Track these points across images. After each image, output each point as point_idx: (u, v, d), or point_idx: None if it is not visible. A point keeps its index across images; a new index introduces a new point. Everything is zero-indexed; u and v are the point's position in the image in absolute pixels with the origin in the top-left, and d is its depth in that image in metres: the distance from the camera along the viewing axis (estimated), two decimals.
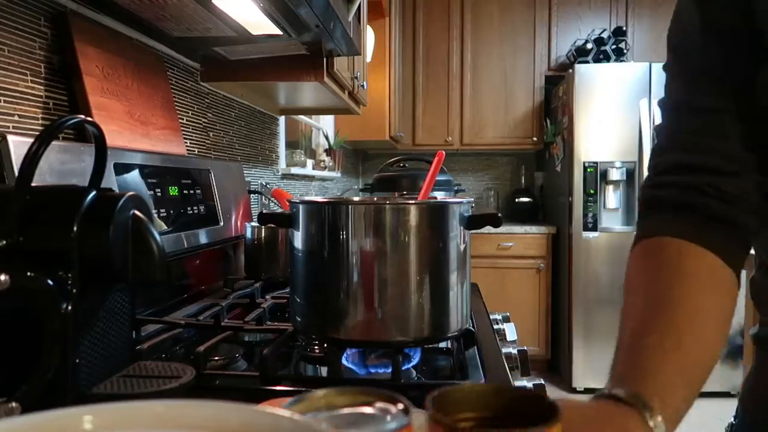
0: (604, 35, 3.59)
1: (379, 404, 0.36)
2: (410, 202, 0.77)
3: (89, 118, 0.63)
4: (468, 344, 0.86)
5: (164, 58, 1.35)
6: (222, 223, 1.41)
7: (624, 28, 3.65)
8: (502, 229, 3.52)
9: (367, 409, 0.36)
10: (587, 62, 3.53)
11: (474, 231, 0.81)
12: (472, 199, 0.87)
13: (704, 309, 0.53)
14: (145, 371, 0.66)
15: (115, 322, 0.66)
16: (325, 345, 0.87)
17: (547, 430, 0.33)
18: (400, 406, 0.35)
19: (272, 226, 1.18)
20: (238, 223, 1.52)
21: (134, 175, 1.08)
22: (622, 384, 0.47)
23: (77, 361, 0.57)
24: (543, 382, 0.94)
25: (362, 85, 2.05)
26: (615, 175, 3.27)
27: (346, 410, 0.36)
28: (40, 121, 0.94)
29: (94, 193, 0.60)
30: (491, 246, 3.55)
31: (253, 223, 1.43)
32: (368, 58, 2.59)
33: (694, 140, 0.59)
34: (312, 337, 0.89)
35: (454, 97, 3.90)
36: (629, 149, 3.26)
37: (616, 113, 3.26)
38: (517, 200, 4.01)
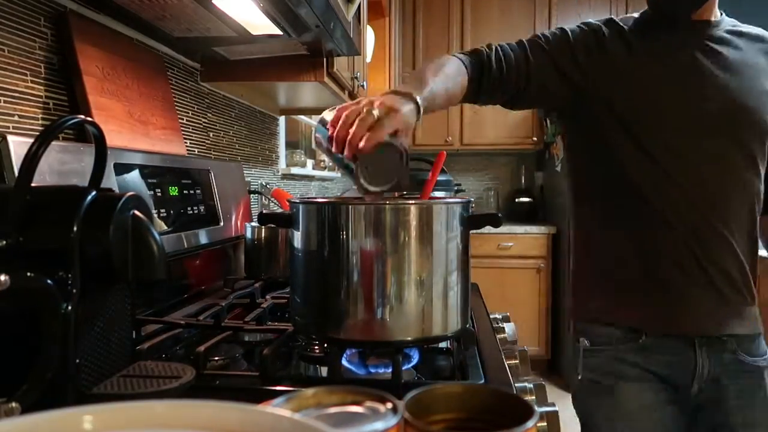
0: None
1: (369, 403, 0.36)
2: (410, 202, 0.76)
3: (89, 118, 0.63)
4: (468, 344, 0.86)
5: (164, 58, 1.35)
6: (222, 223, 1.41)
7: None
8: (502, 229, 3.52)
9: (356, 408, 0.36)
10: None
11: (474, 231, 0.81)
12: (472, 199, 0.87)
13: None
14: (145, 371, 0.66)
15: (115, 322, 0.66)
16: (325, 345, 0.87)
17: None
18: (389, 405, 0.35)
19: (272, 226, 1.18)
20: (238, 223, 1.52)
21: (134, 175, 1.08)
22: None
23: (77, 361, 0.57)
24: (543, 382, 0.94)
25: (362, 85, 2.05)
26: None
27: (335, 409, 0.36)
28: (40, 121, 0.94)
29: (94, 193, 0.60)
30: (491, 246, 3.55)
31: (253, 223, 1.43)
32: (368, 58, 2.58)
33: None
34: (312, 337, 0.89)
35: None
36: None
37: None
38: (517, 200, 4.01)
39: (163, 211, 1.15)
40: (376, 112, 0.74)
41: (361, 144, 0.72)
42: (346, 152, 0.74)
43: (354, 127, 0.73)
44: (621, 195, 1.05)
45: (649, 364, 1.03)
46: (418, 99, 0.81)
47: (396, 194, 0.77)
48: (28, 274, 0.53)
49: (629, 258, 1.05)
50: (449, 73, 0.97)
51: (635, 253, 1.04)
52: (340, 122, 0.75)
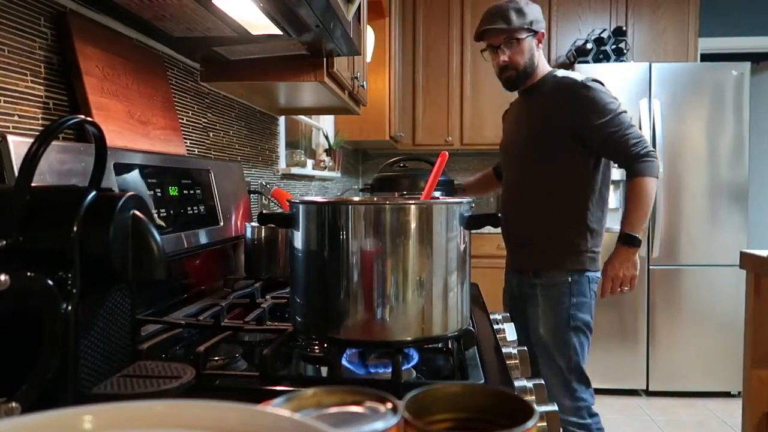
0: (604, 35, 3.59)
1: (369, 403, 0.36)
2: (410, 202, 0.76)
3: (89, 118, 0.63)
4: (468, 344, 0.86)
5: (164, 58, 1.35)
6: (222, 223, 1.41)
7: (624, 28, 3.65)
8: None
9: (356, 408, 0.36)
10: (587, 62, 3.53)
11: (474, 231, 0.81)
12: (472, 199, 0.87)
13: None
14: (145, 371, 0.66)
15: (115, 322, 0.66)
16: (325, 345, 0.87)
17: None
18: (389, 405, 0.35)
19: (272, 226, 1.18)
20: (238, 223, 1.52)
21: (134, 175, 1.08)
22: None
23: (77, 361, 0.57)
24: (543, 382, 0.94)
25: (362, 85, 2.05)
26: (615, 174, 3.24)
27: (335, 409, 0.36)
28: (40, 121, 0.94)
29: (94, 193, 0.60)
30: (491, 246, 3.55)
31: (253, 223, 1.43)
32: (368, 58, 2.58)
33: None
34: (312, 337, 0.89)
35: (454, 97, 3.89)
36: None
37: None
38: None
39: (163, 211, 1.15)
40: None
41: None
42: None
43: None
44: None
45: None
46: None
47: (396, 194, 0.77)
48: (28, 274, 0.53)
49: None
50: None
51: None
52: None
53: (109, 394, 0.60)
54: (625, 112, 1.73)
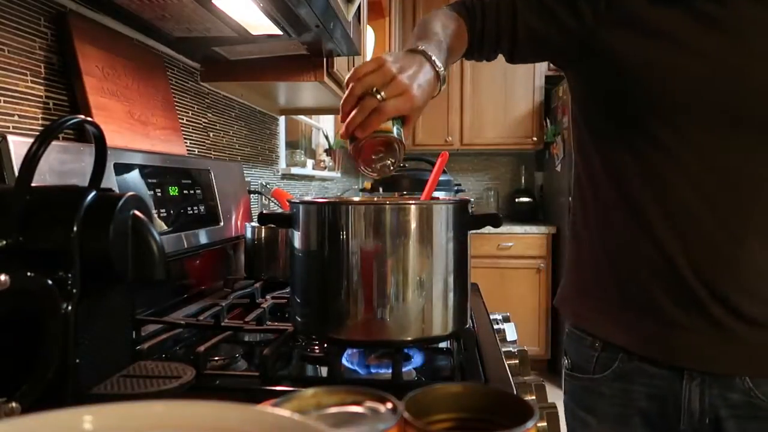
0: None
1: (369, 403, 0.36)
2: (410, 202, 0.76)
3: (89, 118, 0.63)
4: (468, 344, 0.86)
5: (164, 58, 1.35)
6: (222, 223, 1.41)
7: None
8: (502, 229, 3.52)
9: (356, 408, 0.36)
10: None
11: (474, 231, 0.81)
12: (472, 199, 0.87)
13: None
14: (145, 371, 0.66)
15: (115, 322, 0.66)
16: (325, 345, 0.87)
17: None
18: (389, 405, 0.35)
19: (272, 226, 1.18)
20: (238, 223, 1.52)
21: (134, 175, 1.08)
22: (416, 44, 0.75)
23: (77, 361, 0.57)
24: (543, 382, 0.94)
25: None
26: None
27: (335, 409, 0.36)
28: (40, 121, 0.94)
29: (94, 193, 0.60)
30: (491, 246, 3.55)
31: (253, 223, 1.43)
32: (368, 58, 2.58)
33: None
34: (312, 337, 0.89)
35: (454, 97, 3.90)
36: None
37: None
38: (517, 200, 4.01)
39: (163, 211, 1.15)
40: (381, 95, 0.67)
41: (357, 132, 0.69)
42: (341, 131, 0.71)
43: (355, 110, 0.69)
44: (620, 183, 0.84)
45: (629, 398, 0.84)
46: (440, 69, 0.73)
47: (396, 194, 0.77)
48: (28, 274, 0.53)
49: (614, 265, 0.86)
50: (455, 31, 0.82)
51: (616, 261, 0.85)
52: (347, 93, 0.69)
53: (109, 394, 0.60)
54: None
